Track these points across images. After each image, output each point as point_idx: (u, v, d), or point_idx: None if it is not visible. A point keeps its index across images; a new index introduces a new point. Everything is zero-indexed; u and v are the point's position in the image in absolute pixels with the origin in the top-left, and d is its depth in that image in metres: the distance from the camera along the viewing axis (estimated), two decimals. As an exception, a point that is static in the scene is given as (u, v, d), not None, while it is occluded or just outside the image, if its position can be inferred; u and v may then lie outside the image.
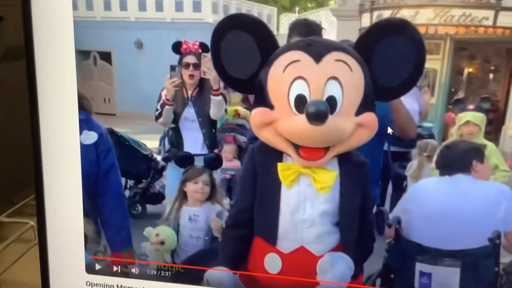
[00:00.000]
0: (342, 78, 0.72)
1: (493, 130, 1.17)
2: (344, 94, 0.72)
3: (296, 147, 0.74)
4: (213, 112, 1.09)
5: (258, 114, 0.76)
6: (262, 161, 0.82)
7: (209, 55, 0.87)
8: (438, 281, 0.82)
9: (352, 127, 0.74)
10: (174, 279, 0.86)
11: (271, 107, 0.75)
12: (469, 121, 0.94)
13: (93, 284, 0.86)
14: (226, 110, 1.11)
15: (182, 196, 1.04)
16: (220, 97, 1.06)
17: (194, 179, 1.04)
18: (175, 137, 1.11)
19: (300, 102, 0.72)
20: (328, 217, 0.79)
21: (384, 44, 0.74)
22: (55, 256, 0.86)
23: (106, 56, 1.09)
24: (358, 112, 0.74)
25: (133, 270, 0.85)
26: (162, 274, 0.85)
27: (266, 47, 0.77)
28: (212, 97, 1.06)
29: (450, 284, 0.81)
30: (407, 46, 0.73)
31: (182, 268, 0.87)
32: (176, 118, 1.10)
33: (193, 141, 1.12)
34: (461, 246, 0.82)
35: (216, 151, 1.13)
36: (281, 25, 0.95)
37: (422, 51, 0.74)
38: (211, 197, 1.05)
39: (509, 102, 1.05)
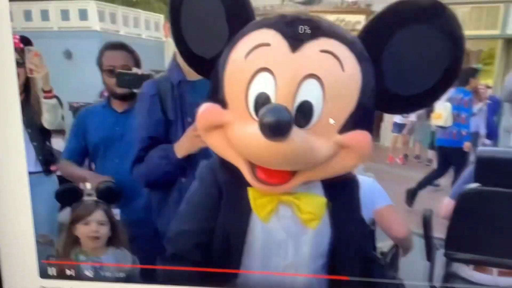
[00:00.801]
0: (326, 78, 0.51)
1: (374, 126, 1.25)
2: (326, 100, 0.51)
3: (253, 165, 0.54)
4: (47, 119, 0.88)
5: (205, 113, 0.55)
6: (228, 183, 0.60)
7: (33, 48, 0.77)
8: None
9: (331, 148, 0.52)
10: (129, 279, 0.81)
11: (224, 104, 0.55)
12: None
13: (47, 289, 0.84)
14: (63, 117, 0.90)
15: (72, 241, 0.82)
16: (54, 100, 0.86)
17: (84, 219, 0.81)
18: None
19: (262, 104, 0.51)
20: (318, 260, 0.60)
21: (404, 35, 0.53)
22: (7, 262, 0.83)
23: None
24: (345, 128, 0.53)
25: (87, 273, 0.83)
26: (117, 276, 0.82)
27: (237, 19, 0.55)
28: (43, 100, 0.85)
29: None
30: (438, 39, 0.52)
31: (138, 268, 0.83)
32: None
33: None
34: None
35: (53, 168, 0.93)
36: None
37: (460, 47, 0.52)
38: (113, 240, 0.83)
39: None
